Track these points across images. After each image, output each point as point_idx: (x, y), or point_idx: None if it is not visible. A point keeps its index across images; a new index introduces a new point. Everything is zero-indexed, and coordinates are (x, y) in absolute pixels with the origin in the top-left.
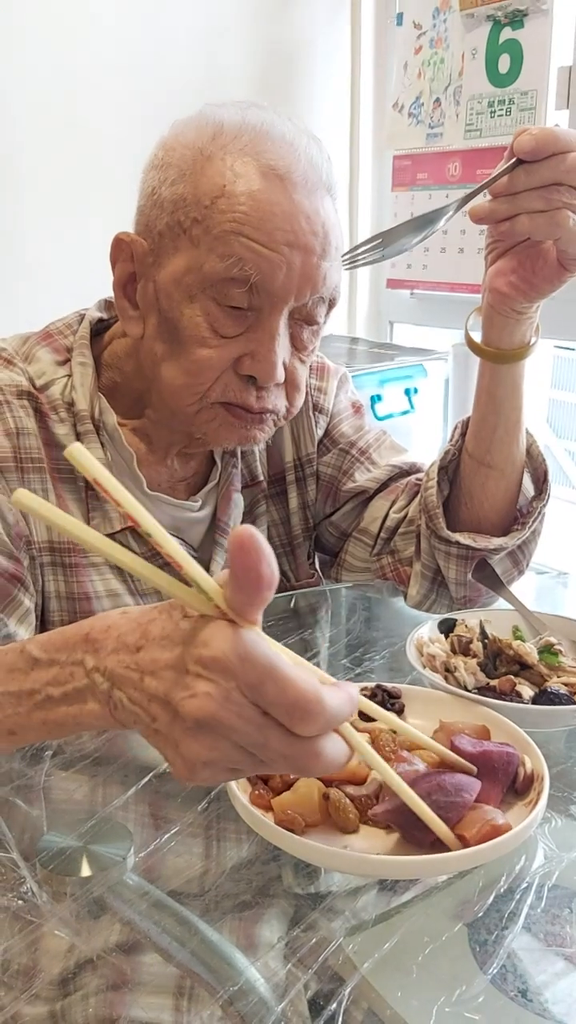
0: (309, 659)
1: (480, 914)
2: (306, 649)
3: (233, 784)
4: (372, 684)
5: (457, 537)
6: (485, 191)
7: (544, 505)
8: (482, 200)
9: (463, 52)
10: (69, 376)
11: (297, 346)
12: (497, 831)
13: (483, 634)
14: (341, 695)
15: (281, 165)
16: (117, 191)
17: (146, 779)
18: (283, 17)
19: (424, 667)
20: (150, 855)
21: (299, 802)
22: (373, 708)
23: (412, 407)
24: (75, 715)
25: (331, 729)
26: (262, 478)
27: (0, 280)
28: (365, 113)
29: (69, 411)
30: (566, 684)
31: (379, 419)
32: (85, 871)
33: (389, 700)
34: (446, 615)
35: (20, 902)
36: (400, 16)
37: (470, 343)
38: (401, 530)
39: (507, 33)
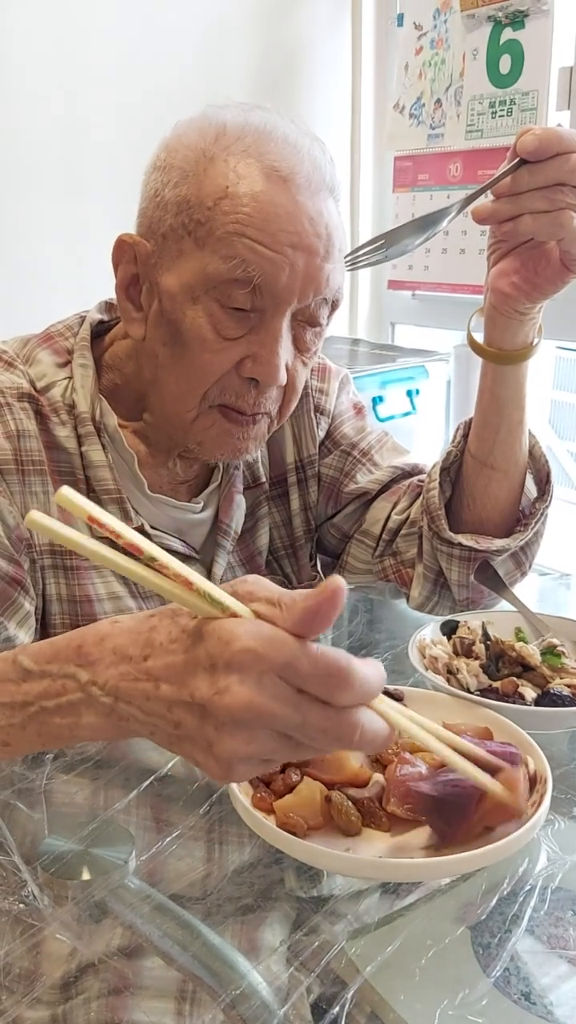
0: None
1: (483, 917)
2: None
3: (235, 787)
4: None
5: (459, 538)
6: (488, 191)
7: (547, 506)
8: (485, 200)
9: (464, 53)
10: (70, 378)
11: (300, 348)
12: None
13: (485, 636)
14: (369, 665)
15: (284, 167)
16: (119, 192)
17: (147, 782)
18: (284, 18)
19: (426, 669)
20: (152, 858)
21: (301, 805)
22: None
23: (414, 408)
24: (70, 727)
25: (366, 699)
26: (264, 480)
27: (1, 281)
28: (366, 114)
29: (70, 413)
30: (569, 686)
31: (381, 420)
32: (86, 875)
33: (391, 702)
34: (448, 617)
35: (21, 906)
36: (401, 17)
37: (472, 344)
38: (403, 532)
39: (508, 34)
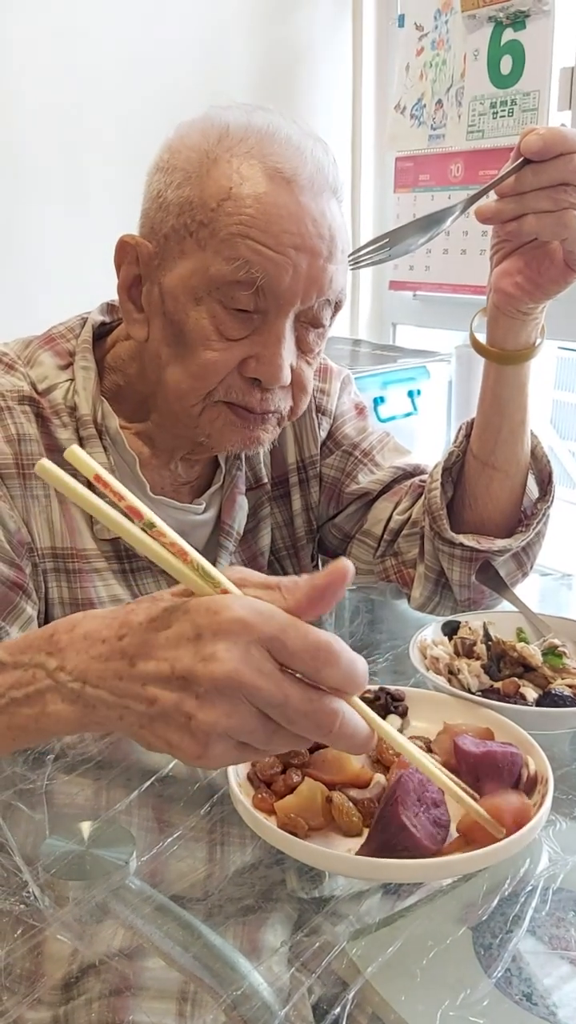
0: None
1: (484, 918)
2: None
3: (236, 787)
4: (376, 687)
5: (461, 539)
6: (491, 191)
7: (548, 507)
8: (488, 200)
9: (465, 53)
10: (71, 380)
11: (303, 348)
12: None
13: (487, 636)
14: (355, 655)
15: (287, 168)
16: (121, 193)
17: (148, 783)
18: (285, 19)
19: (428, 669)
20: (153, 859)
21: (302, 806)
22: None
23: (415, 409)
24: (36, 717)
25: (349, 685)
26: (266, 480)
27: (3, 283)
28: (367, 114)
29: (71, 415)
30: (570, 686)
31: (382, 421)
32: (88, 875)
33: (393, 703)
34: (450, 617)
35: (23, 906)
36: (402, 18)
37: (475, 344)
38: (405, 532)
39: (509, 34)
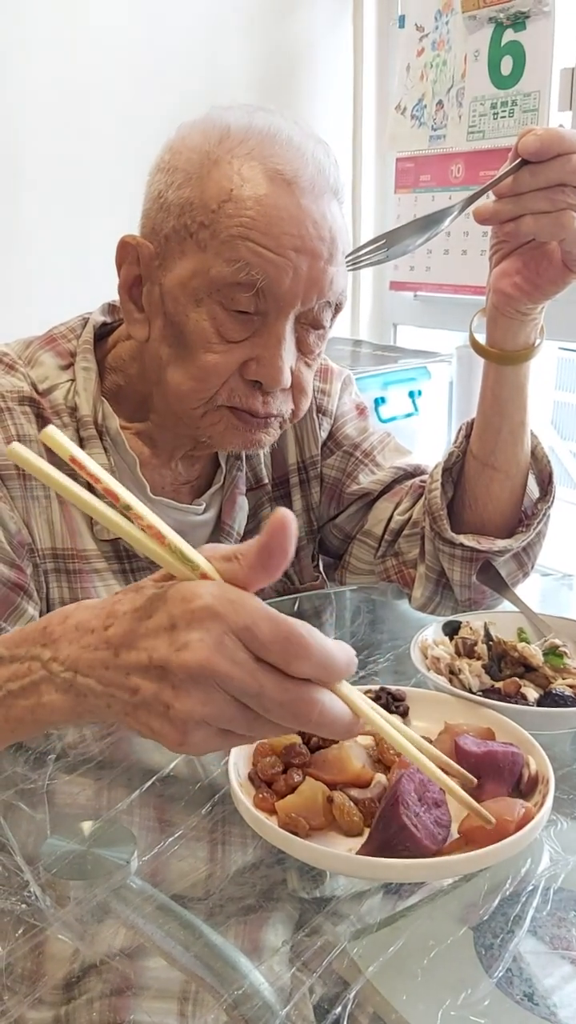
0: None
1: (485, 917)
2: None
3: (237, 787)
4: (376, 687)
5: (461, 539)
6: (490, 192)
7: (549, 507)
8: (487, 201)
9: (465, 54)
10: (72, 381)
11: (303, 350)
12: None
13: (487, 636)
14: (336, 644)
15: (288, 169)
16: (122, 194)
17: (150, 783)
18: (286, 20)
19: (428, 669)
20: (154, 859)
21: (303, 805)
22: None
23: (416, 409)
24: (32, 708)
25: (326, 675)
26: (266, 481)
27: (4, 283)
28: (368, 115)
29: (72, 416)
30: (571, 686)
31: (383, 422)
32: (89, 875)
33: (393, 703)
34: (450, 617)
35: (24, 906)
36: (402, 18)
37: (474, 344)
38: (405, 532)
39: (509, 35)
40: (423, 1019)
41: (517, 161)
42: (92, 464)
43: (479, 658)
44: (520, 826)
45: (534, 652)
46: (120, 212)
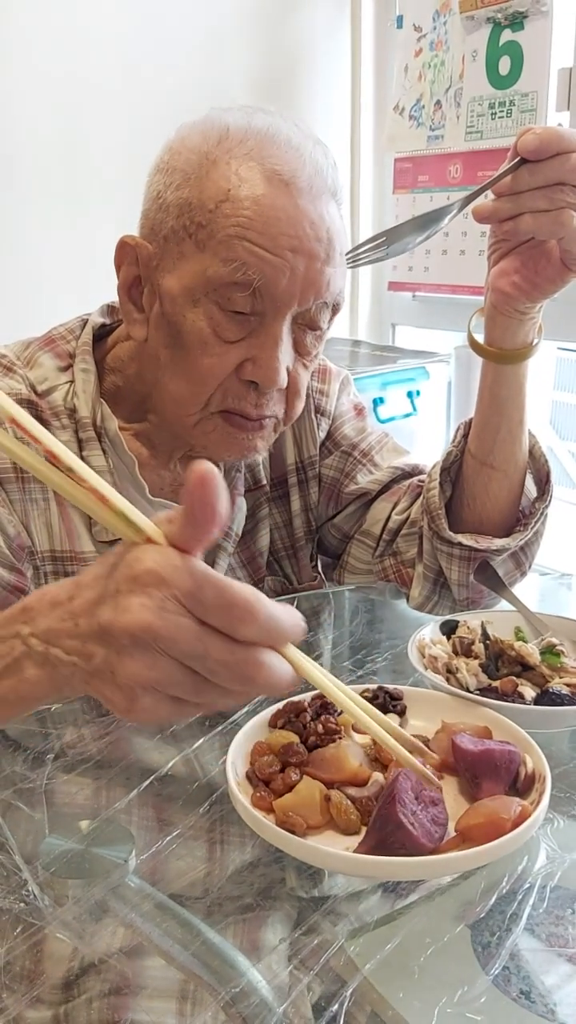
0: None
1: (482, 915)
2: (309, 651)
3: (234, 786)
4: (374, 686)
5: (459, 538)
6: (488, 190)
7: (546, 506)
8: (485, 199)
9: (463, 54)
10: (71, 382)
11: (300, 352)
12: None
13: (485, 635)
14: (281, 607)
15: (286, 170)
16: (123, 194)
17: (147, 782)
18: (284, 21)
19: (426, 668)
20: (152, 857)
21: (301, 804)
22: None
23: (415, 410)
24: (15, 687)
25: (272, 639)
26: (264, 481)
27: (3, 284)
28: (366, 115)
29: (71, 418)
30: (568, 685)
31: (382, 422)
32: (87, 874)
33: (391, 702)
34: (448, 616)
35: (22, 905)
36: (400, 19)
37: (473, 344)
38: (403, 532)
39: (507, 35)
40: (420, 1016)
41: (516, 160)
42: (33, 425)
43: (476, 657)
44: (517, 824)
45: (531, 651)
46: (120, 213)
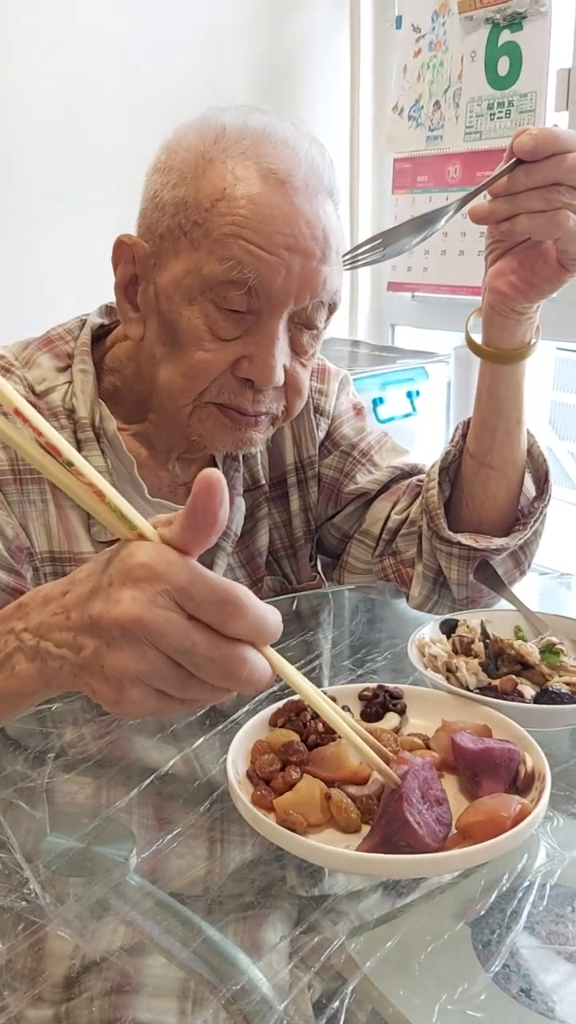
0: (311, 661)
1: (482, 913)
2: (309, 651)
3: (235, 784)
4: (374, 685)
5: (458, 538)
6: (485, 191)
7: (545, 505)
8: (482, 200)
9: (462, 55)
10: (70, 383)
11: (297, 350)
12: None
13: (484, 634)
14: (266, 606)
15: (282, 169)
16: (121, 194)
17: (148, 781)
18: (283, 21)
19: (426, 667)
20: (153, 856)
21: (301, 802)
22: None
23: (414, 410)
24: (6, 682)
25: (257, 636)
26: (263, 481)
27: (2, 284)
28: (365, 116)
29: (69, 418)
30: (568, 683)
31: (381, 422)
32: (88, 872)
33: (391, 701)
34: (448, 616)
35: (24, 903)
36: (399, 19)
37: (471, 344)
38: (403, 531)
39: (506, 35)
40: (420, 1014)
41: (512, 161)
42: (36, 417)
43: (476, 656)
44: (517, 822)
45: (531, 650)
46: (120, 213)
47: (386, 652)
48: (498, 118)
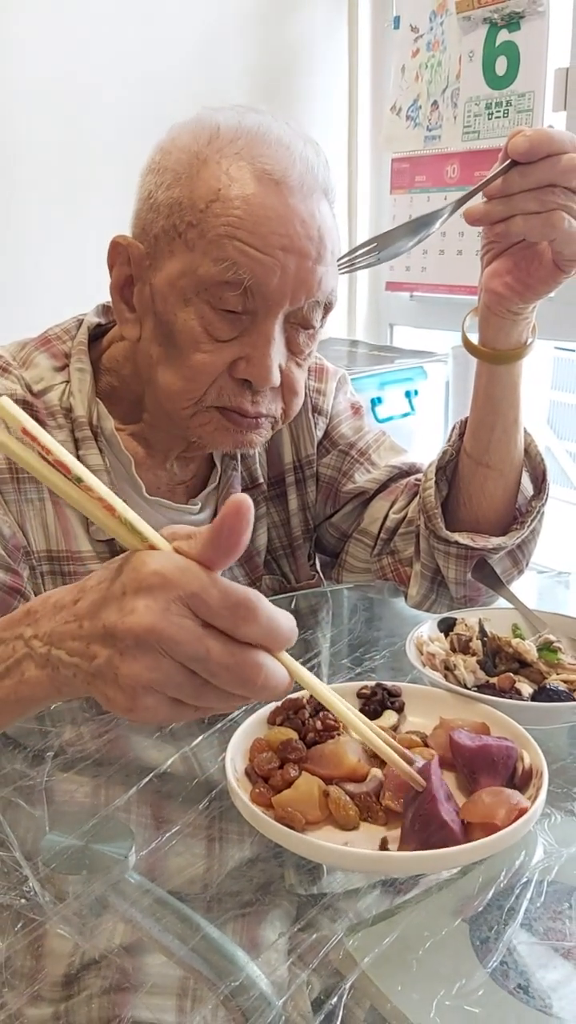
0: (310, 659)
1: (480, 909)
2: (307, 649)
3: (233, 782)
4: (373, 683)
5: (456, 537)
6: (481, 192)
7: (543, 504)
8: (478, 202)
9: (460, 55)
10: (67, 382)
11: (293, 350)
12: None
13: (482, 632)
14: (280, 611)
15: (276, 169)
16: (118, 195)
17: (147, 779)
18: (281, 21)
19: (424, 666)
20: (151, 854)
21: (299, 800)
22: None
23: (412, 409)
24: (15, 687)
25: (271, 640)
26: (262, 480)
27: (1, 284)
28: (363, 116)
29: (67, 417)
30: (565, 681)
31: (379, 422)
32: (87, 870)
33: (389, 698)
34: (446, 614)
35: (23, 901)
36: (397, 19)
37: (467, 344)
38: (401, 530)
39: (504, 35)
40: (418, 1009)
41: (507, 162)
42: (44, 436)
43: (474, 654)
44: (514, 819)
45: (528, 648)
46: (116, 213)
47: (384, 650)
48: (496, 118)
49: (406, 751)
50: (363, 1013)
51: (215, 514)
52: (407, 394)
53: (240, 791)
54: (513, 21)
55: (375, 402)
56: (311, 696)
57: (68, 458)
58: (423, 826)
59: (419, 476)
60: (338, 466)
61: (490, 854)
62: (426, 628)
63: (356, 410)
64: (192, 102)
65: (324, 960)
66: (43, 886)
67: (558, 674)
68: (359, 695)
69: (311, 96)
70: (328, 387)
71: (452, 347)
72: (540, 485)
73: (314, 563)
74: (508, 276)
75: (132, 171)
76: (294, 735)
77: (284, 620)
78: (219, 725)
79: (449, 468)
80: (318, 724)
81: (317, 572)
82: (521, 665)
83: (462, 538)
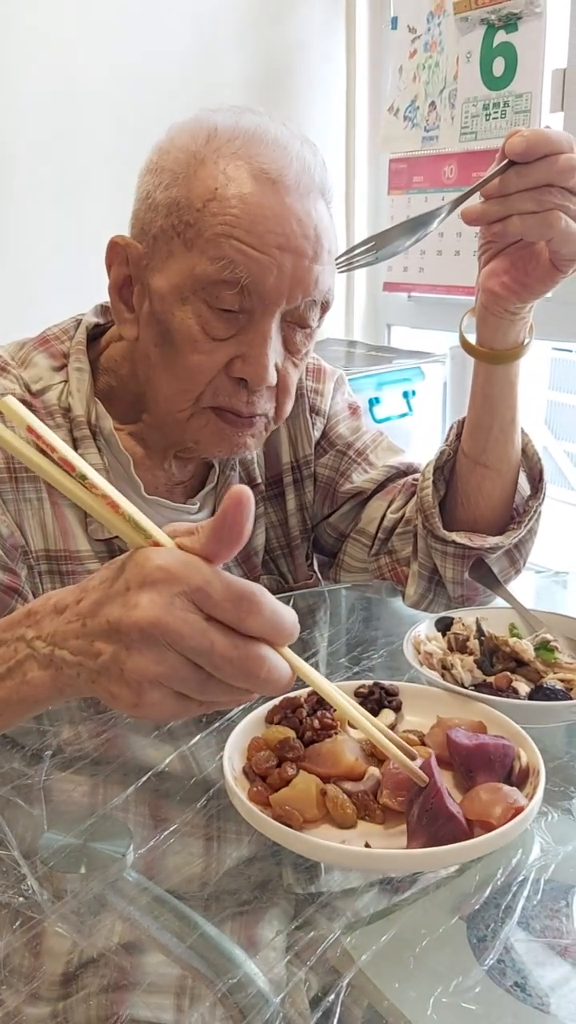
0: (308, 659)
1: (477, 908)
2: (305, 649)
3: (231, 781)
4: (370, 682)
5: (453, 536)
6: (478, 192)
7: (540, 504)
8: (475, 202)
9: (457, 55)
10: (65, 382)
11: (290, 349)
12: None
13: (479, 631)
14: (283, 604)
15: (273, 169)
16: (116, 195)
17: (145, 778)
18: (279, 22)
19: (421, 665)
20: (149, 852)
21: (297, 798)
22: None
23: (410, 410)
24: (17, 688)
25: (275, 634)
26: (260, 481)
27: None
28: (361, 117)
29: (65, 416)
30: (562, 680)
31: (377, 422)
32: (85, 868)
33: (387, 697)
34: (443, 614)
35: (21, 899)
36: (395, 20)
37: (464, 344)
38: (398, 530)
39: (501, 36)
40: (415, 1007)
41: (504, 162)
42: (49, 434)
43: (471, 653)
44: (511, 817)
45: (525, 647)
46: (115, 213)
47: (382, 650)
48: (493, 118)
49: (408, 747)
50: (360, 1011)
51: (213, 514)
52: (405, 394)
53: (238, 790)
54: (510, 22)
55: (373, 402)
56: (309, 695)
57: (73, 456)
58: (431, 820)
59: (417, 476)
60: (336, 466)
61: (488, 852)
62: (423, 627)
63: (354, 410)
64: (190, 102)
65: (322, 958)
66: (41, 885)
67: (555, 673)
68: (357, 694)
69: (309, 96)
70: (326, 387)
71: (450, 347)
72: (537, 485)
73: (312, 563)
74: (505, 276)
75: (131, 171)
76: (292, 734)
77: (287, 614)
78: (217, 724)
79: (447, 468)
80: (316, 723)
81: (315, 572)
82: (518, 664)
83: (459, 537)
